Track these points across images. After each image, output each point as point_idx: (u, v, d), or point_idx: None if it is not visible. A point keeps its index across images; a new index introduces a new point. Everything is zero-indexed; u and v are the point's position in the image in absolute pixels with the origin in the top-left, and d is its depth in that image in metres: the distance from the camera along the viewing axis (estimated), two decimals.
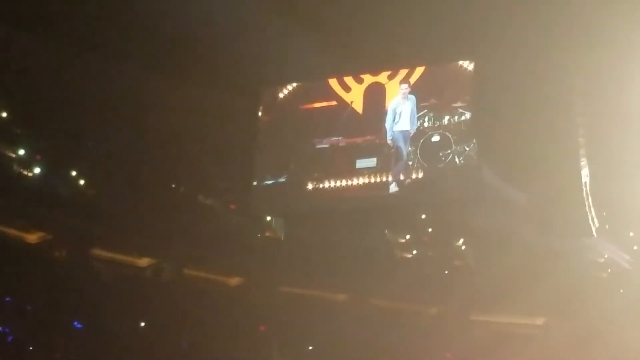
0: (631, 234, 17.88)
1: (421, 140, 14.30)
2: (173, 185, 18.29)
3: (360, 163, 14.51)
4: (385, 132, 14.64)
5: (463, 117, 13.73)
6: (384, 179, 14.16)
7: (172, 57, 14.35)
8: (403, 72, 14.76)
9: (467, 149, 13.41)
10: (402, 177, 14.02)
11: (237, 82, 14.73)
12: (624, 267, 18.57)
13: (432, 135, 14.06)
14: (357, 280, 20.05)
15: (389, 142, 14.67)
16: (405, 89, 14.72)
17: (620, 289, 19.00)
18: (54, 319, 18.27)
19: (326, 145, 14.85)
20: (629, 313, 18.49)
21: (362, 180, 14.32)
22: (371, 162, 14.50)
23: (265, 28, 13.44)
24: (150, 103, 15.57)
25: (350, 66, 14.65)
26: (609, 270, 18.83)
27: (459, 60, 13.84)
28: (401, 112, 14.80)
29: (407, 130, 14.58)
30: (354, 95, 15.25)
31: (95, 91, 15.42)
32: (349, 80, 15.01)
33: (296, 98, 15.07)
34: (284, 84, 14.99)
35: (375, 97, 15.09)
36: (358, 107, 15.12)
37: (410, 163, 14.09)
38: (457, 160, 13.55)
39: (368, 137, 14.88)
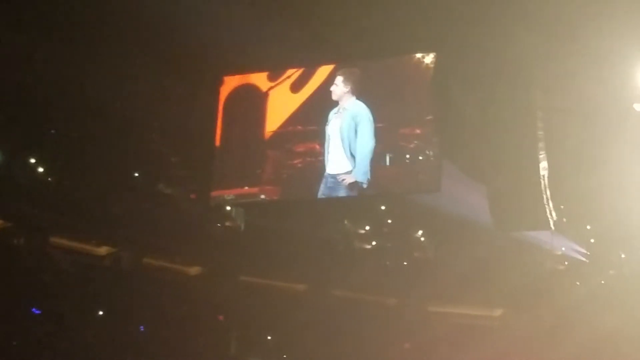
0: (588, 227, 18.12)
1: None
2: (134, 174, 18.22)
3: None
4: None
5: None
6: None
7: (132, 44, 14.22)
8: (324, 70, 11.94)
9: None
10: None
11: (198, 70, 14.62)
12: (581, 259, 18.79)
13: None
14: (316, 271, 20.11)
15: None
16: (341, 87, 11.33)
17: (577, 281, 19.22)
18: (12, 307, 18.15)
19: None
20: (585, 305, 18.68)
21: None
22: None
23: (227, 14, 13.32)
24: (112, 91, 15.46)
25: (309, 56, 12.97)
26: (566, 263, 19.07)
27: (418, 53, 12.56)
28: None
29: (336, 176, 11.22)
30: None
31: (55, 79, 15.28)
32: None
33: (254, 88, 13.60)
34: (245, 72, 14.09)
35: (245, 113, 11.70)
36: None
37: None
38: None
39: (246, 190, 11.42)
